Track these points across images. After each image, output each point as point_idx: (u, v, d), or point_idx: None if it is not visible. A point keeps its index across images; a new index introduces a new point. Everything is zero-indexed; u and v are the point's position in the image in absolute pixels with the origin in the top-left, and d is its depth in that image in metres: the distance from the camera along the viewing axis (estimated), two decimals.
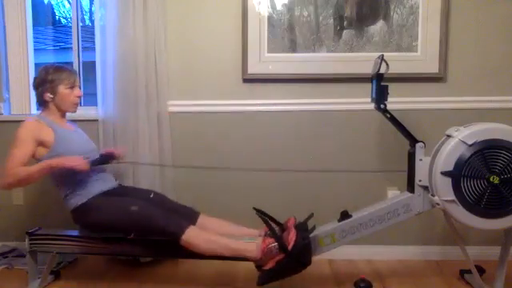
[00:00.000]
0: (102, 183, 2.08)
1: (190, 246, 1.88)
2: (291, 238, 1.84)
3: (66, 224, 2.56)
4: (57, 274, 2.25)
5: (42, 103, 2.10)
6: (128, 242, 2.02)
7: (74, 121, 2.56)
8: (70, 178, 2.00)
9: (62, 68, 2.09)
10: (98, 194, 2.03)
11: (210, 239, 1.90)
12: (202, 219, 2.10)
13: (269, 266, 1.84)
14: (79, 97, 2.12)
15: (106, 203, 2.00)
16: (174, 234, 1.88)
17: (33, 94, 2.60)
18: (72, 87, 2.08)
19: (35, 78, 2.09)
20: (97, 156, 2.11)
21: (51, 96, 2.06)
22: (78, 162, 1.93)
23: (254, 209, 1.98)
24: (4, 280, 2.24)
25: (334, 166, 2.48)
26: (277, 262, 1.83)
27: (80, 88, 2.16)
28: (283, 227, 1.99)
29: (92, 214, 1.99)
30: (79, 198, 2.01)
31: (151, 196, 2.14)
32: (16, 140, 1.96)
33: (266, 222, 1.94)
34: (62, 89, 2.06)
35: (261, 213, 1.97)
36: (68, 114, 2.18)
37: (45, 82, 2.04)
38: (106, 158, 2.12)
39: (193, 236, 1.88)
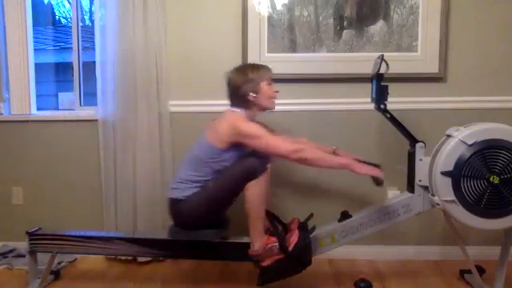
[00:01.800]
0: None
1: (248, 194, 1.84)
2: (293, 239, 1.85)
3: (66, 224, 2.57)
4: (57, 274, 2.25)
5: (243, 105, 2.00)
6: (128, 242, 2.02)
7: (74, 121, 2.58)
8: (214, 174, 1.93)
9: (258, 65, 2.04)
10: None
11: (261, 203, 1.87)
12: (267, 172, 1.96)
13: (266, 262, 1.85)
14: (277, 92, 2.06)
15: (195, 196, 1.94)
16: (257, 170, 1.83)
17: (33, 93, 2.63)
18: (270, 83, 2.02)
19: (232, 79, 1.99)
20: None
21: (254, 95, 1.97)
22: (377, 171, 1.89)
23: None
24: (4, 280, 2.24)
25: None
26: (275, 260, 1.84)
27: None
28: (286, 227, 1.99)
29: (192, 206, 1.93)
30: (199, 190, 1.93)
31: None
32: (252, 132, 1.88)
33: (271, 222, 1.94)
34: (264, 85, 1.99)
35: (266, 212, 1.97)
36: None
37: (247, 82, 1.96)
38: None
39: (255, 191, 1.84)
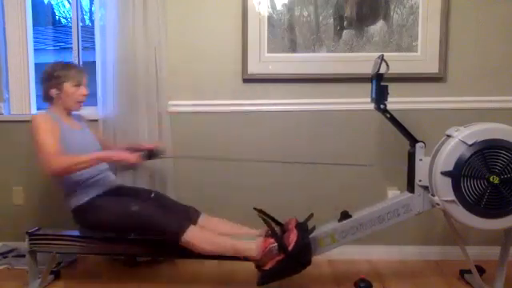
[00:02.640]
0: (102, 183, 2.08)
1: (190, 245, 1.88)
2: (292, 238, 1.85)
3: (66, 224, 2.56)
4: (57, 274, 2.25)
5: (47, 99, 2.10)
6: (128, 242, 2.02)
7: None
8: (71, 178, 1.99)
9: (70, 65, 2.11)
10: (99, 195, 2.04)
11: (210, 239, 1.90)
12: (202, 219, 2.10)
13: (269, 266, 1.84)
14: (84, 96, 2.12)
15: (106, 203, 2.00)
16: (175, 233, 1.88)
17: (33, 93, 2.63)
18: (78, 85, 2.08)
19: (42, 73, 2.09)
20: None
21: (57, 92, 2.06)
22: (129, 155, 1.95)
23: (255, 209, 1.98)
24: (4, 280, 2.24)
25: (334, 166, 2.48)
26: (277, 262, 1.83)
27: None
28: (284, 227, 1.99)
29: (92, 214, 1.99)
30: (80, 198, 2.01)
31: (152, 196, 2.15)
32: (38, 131, 1.94)
33: (266, 222, 1.93)
34: (68, 86, 2.06)
35: (262, 213, 1.97)
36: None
37: (51, 78, 2.05)
38: (154, 153, 2.13)
39: (193, 236, 1.88)
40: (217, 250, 1.89)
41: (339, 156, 2.48)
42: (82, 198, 2.01)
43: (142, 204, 1.98)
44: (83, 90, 2.11)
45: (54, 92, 2.06)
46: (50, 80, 2.05)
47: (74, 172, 1.95)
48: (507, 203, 1.78)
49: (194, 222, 2.03)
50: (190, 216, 2.07)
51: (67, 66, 2.10)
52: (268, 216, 1.99)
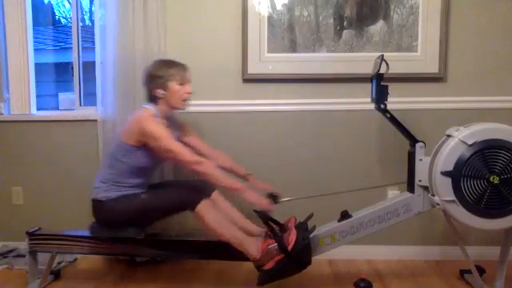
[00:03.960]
0: (138, 188, 2.03)
1: (201, 219, 1.87)
2: (291, 238, 1.84)
3: (66, 224, 2.56)
4: (57, 274, 2.25)
5: (152, 99, 2.02)
6: (128, 242, 2.02)
7: (74, 121, 2.58)
8: (132, 174, 1.95)
9: (174, 63, 2.03)
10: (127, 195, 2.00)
11: (222, 221, 1.90)
12: (216, 196, 2.08)
13: (269, 266, 1.84)
14: (190, 93, 2.05)
15: (123, 200, 1.97)
16: (190, 203, 1.86)
17: (33, 93, 2.63)
18: (183, 83, 2.02)
19: (145, 74, 2.02)
20: None
21: (163, 92, 1.99)
22: (262, 200, 1.91)
23: (254, 211, 1.97)
24: (4, 280, 2.24)
25: (334, 166, 2.48)
26: (276, 261, 1.83)
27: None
28: (283, 227, 1.99)
29: (114, 210, 1.96)
30: (113, 193, 1.95)
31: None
32: (154, 134, 1.88)
33: (266, 223, 1.93)
34: (173, 85, 1.99)
35: (261, 213, 1.97)
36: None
37: (155, 78, 1.98)
38: (274, 197, 2.10)
39: (207, 210, 1.87)
40: (221, 233, 1.87)
41: (339, 156, 2.48)
42: (117, 194, 1.96)
43: (151, 190, 1.98)
44: (188, 88, 2.04)
45: (159, 92, 1.98)
46: (154, 80, 1.98)
47: (206, 179, 1.90)
48: (507, 203, 1.78)
49: (208, 196, 1.99)
50: (204, 189, 2.02)
51: (170, 64, 2.02)
52: (267, 216, 1.99)
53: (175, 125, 2.13)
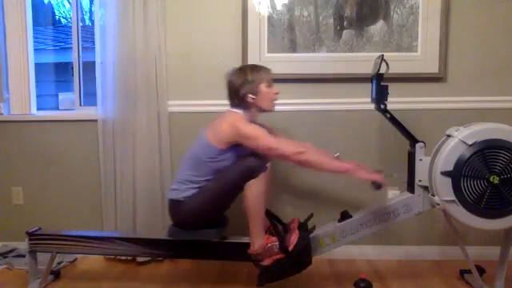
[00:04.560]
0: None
1: (247, 192, 1.85)
2: (293, 239, 1.85)
3: (66, 224, 2.57)
4: (57, 274, 2.25)
5: (242, 105, 1.99)
6: (128, 242, 2.02)
7: (73, 121, 2.58)
8: (213, 176, 1.93)
9: (258, 66, 2.03)
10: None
11: (260, 203, 1.87)
12: (267, 172, 1.96)
13: (266, 262, 1.85)
14: (277, 94, 2.05)
15: (196, 195, 1.94)
16: (256, 170, 1.84)
17: (33, 93, 2.63)
18: (270, 85, 2.02)
19: (232, 81, 1.99)
20: None
21: (253, 97, 1.97)
22: (377, 176, 1.88)
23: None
24: (4, 280, 2.24)
25: None
26: (275, 260, 1.84)
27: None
28: (286, 227, 1.99)
29: (191, 207, 1.93)
30: (192, 191, 1.94)
31: None
32: (251, 133, 1.88)
33: (271, 221, 1.94)
34: (263, 87, 1.98)
35: (267, 212, 1.97)
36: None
37: (245, 83, 1.96)
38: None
39: (255, 189, 1.85)
40: (252, 209, 1.86)
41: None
42: (200, 193, 1.93)
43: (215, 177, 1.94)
44: (276, 89, 2.04)
45: (250, 97, 1.96)
46: (243, 86, 1.95)
47: (314, 168, 1.90)
48: (507, 203, 1.78)
49: (264, 170, 1.90)
50: (263, 161, 1.93)
51: (255, 68, 2.01)
52: (273, 215, 1.99)
53: (261, 127, 2.06)
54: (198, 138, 2.01)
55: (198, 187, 1.93)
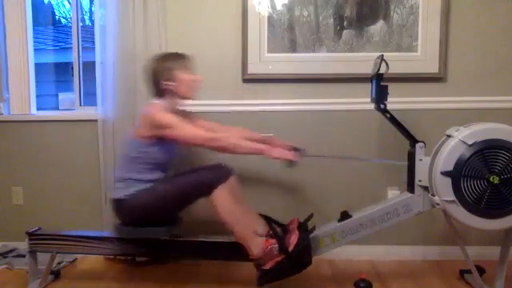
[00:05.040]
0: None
1: (214, 205, 1.86)
2: (293, 239, 1.85)
3: (66, 224, 2.57)
4: (57, 274, 2.25)
5: (159, 93, 1.99)
6: (128, 242, 2.02)
7: (74, 121, 2.58)
8: (149, 169, 1.94)
9: (178, 54, 2.01)
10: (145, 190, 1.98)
11: (234, 211, 1.87)
12: (233, 181, 1.97)
13: (268, 266, 1.84)
14: (200, 81, 2.04)
15: (142, 194, 1.94)
16: (208, 186, 1.85)
17: (33, 93, 2.63)
18: (189, 72, 2.01)
19: (150, 69, 1.99)
20: None
21: (171, 83, 1.96)
22: (289, 154, 1.91)
23: (260, 215, 1.97)
24: (4, 280, 2.24)
25: (334, 166, 2.48)
26: (276, 262, 1.83)
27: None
28: (285, 228, 1.99)
29: (135, 206, 1.94)
30: (133, 189, 1.94)
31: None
32: (166, 122, 1.87)
33: (268, 224, 1.94)
34: (181, 74, 1.97)
35: (264, 216, 1.97)
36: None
37: (163, 70, 1.95)
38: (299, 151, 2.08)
39: (222, 196, 1.86)
40: (230, 223, 1.86)
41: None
42: (138, 189, 1.94)
43: (168, 179, 1.96)
44: (197, 76, 2.03)
45: (168, 84, 1.95)
46: (161, 73, 1.95)
47: (230, 152, 1.90)
48: (507, 203, 1.78)
49: (225, 180, 1.92)
50: (223, 172, 1.95)
51: (174, 55, 2.00)
52: (270, 218, 1.99)
53: (183, 114, 2.07)
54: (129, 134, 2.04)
55: (138, 183, 1.93)
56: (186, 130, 1.88)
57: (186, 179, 1.92)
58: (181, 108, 2.09)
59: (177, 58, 2.00)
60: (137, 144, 1.94)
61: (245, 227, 1.89)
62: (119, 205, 1.97)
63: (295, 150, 2.04)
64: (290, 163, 1.94)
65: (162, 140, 1.92)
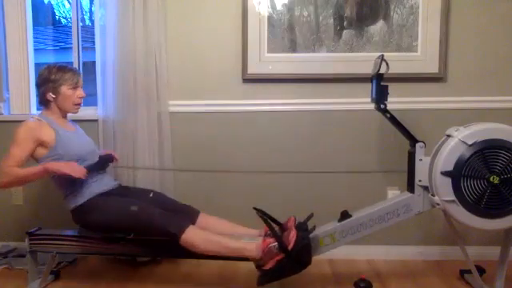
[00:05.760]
0: (101, 183, 2.08)
1: (189, 245, 1.88)
2: (291, 238, 1.84)
3: (66, 224, 2.56)
4: (57, 274, 2.25)
5: (43, 102, 2.09)
6: (128, 242, 2.02)
7: (74, 121, 2.57)
8: (69, 179, 1.99)
9: (66, 68, 2.08)
10: (98, 195, 2.04)
11: (210, 239, 1.90)
12: (201, 218, 2.10)
13: (269, 265, 1.84)
14: (82, 98, 2.11)
15: (105, 204, 2.00)
16: (174, 234, 1.88)
17: (33, 93, 2.63)
18: (75, 88, 2.08)
19: (38, 77, 2.07)
20: (96, 158, 2.11)
21: (53, 96, 2.04)
22: (75, 169, 1.93)
23: (255, 208, 1.98)
24: (4, 280, 2.24)
25: (334, 166, 2.48)
26: (277, 261, 1.83)
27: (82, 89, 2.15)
28: (283, 227, 1.99)
29: (91, 214, 2.00)
30: (79, 199, 2.02)
31: (151, 195, 2.15)
32: (15, 139, 1.96)
33: (266, 222, 1.93)
34: (65, 89, 2.05)
35: (261, 213, 1.97)
36: (69, 114, 2.18)
37: (47, 82, 2.03)
38: (105, 162, 2.14)
39: (192, 236, 1.88)
40: (217, 250, 1.89)
41: (339, 156, 2.48)
42: (81, 199, 2.01)
43: (141, 204, 1.98)
44: (80, 93, 2.11)
45: (50, 96, 2.04)
46: (46, 84, 2.03)
47: (23, 184, 2.01)
48: (507, 203, 1.78)
49: (194, 221, 2.04)
50: (189, 215, 2.07)
51: (63, 68, 2.07)
52: (267, 216, 1.99)
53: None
54: None
55: (75, 195, 2.02)
56: (5, 164, 1.93)
57: (155, 218, 1.92)
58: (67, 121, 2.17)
59: (65, 72, 2.06)
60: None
61: (231, 244, 1.90)
62: (74, 214, 2.09)
63: (103, 161, 2.13)
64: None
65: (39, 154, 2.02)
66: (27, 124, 2.00)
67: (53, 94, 2.04)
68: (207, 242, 1.89)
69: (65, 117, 2.15)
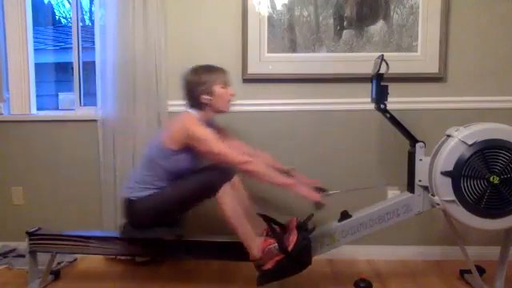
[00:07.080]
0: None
1: (220, 201, 1.86)
2: (292, 239, 1.85)
3: (66, 224, 2.57)
4: (57, 274, 2.25)
5: (196, 105, 2.01)
6: (128, 242, 2.02)
7: (74, 121, 2.58)
8: (169, 176, 1.93)
9: (212, 67, 2.04)
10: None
11: (238, 211, 1.88)
12: (236, 180, 1.96)
13: (268, 266, 1.84)
14: (233, 95, 2.06)
15: (150, 198, 1.95)
16: (213, 187, 1.85)
17: (33, 94, 2.63)
18: (225, 86, 2.03)
19: (186, 82, 2.01)
20: None
21: (209, 98, 1.98)
22: (314, 193, 1.92)
23: (258, 214, 1.97)
24: (4, 280, 2.24)
25: (334, 166, 2.48)
26: (276, 262, 1.83)
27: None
28: (285, 228, 1.99)
29: (143, 208, 1.95)
30: (147, 192, 1.95)
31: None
32: (199, 134, 1.88)
33: (267, 223, 1.94)
34: (218, 88, 1.99)
35: (264, 216, 1.97)
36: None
37: (199, 84, 1.97)
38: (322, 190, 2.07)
39: (227, 195, 1.86)
40: (233, 222, 1.86)
41: (339, 156, 2.48)
42: (145, 193, 1.95)
43: (174, 182, 1.94)
44: (231, 90, 2.06)
45: (205, 98, 1.98)
46: (198, 87, 1.97)
47: (258, 179, 1.91)
48: (507, 203, 1.78)
49: (230, 178, 1.92)
50: (226, 171, 1.94)
51: (209, 68, 2.03)
52: (269, 218, 1.99)
53: (216, 129, 2.09)
54: (153, 138, 2.02)
55: (154, 188, 1.94)
56: (220, 147, 1.89)
57: (193, 181, 1.92)
58: (215, 122, 2.11)
59: (213, 71, 2.01)
60: (164, 150, 1.93)
61: (247, 227, 1.89)
62: (130, 205, 1.97)
63: (320, 190, 2.02)
64: (318, 206, 1.91)
65: (191, 150, 1.92)
66: (195, 120, 1.94)
67: (207, 95, 1.99)
68: (233, 211, 1.86)
69: (208, 124, 2.03)
